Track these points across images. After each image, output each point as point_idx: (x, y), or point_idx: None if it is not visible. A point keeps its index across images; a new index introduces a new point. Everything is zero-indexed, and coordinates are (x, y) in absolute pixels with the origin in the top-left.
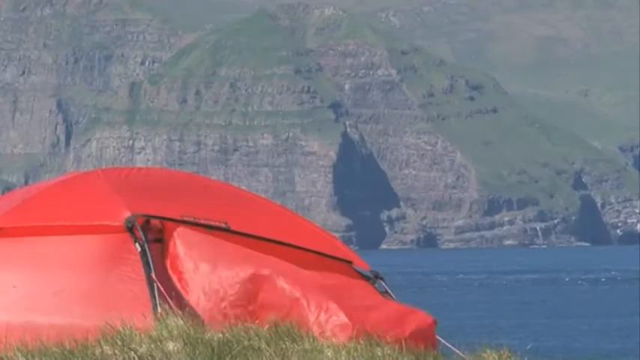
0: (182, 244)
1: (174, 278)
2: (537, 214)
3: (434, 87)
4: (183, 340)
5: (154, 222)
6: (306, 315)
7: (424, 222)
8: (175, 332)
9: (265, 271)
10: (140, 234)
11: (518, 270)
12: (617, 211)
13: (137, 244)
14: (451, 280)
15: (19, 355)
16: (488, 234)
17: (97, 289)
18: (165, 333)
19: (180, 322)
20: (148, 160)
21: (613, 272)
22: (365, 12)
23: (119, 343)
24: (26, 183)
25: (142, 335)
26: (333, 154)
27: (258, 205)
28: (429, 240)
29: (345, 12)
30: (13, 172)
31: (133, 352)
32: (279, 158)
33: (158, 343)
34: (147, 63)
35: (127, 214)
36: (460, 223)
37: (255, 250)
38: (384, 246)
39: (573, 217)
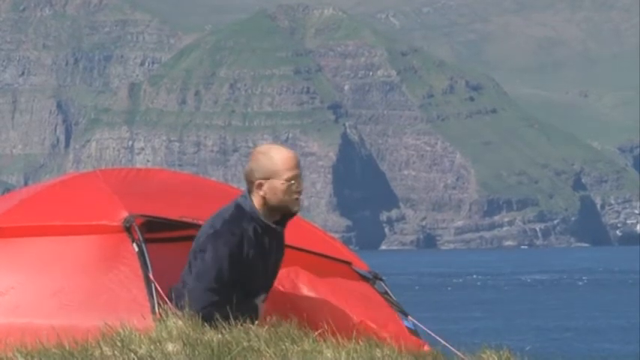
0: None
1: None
2: (537, 215)
3: (433, 88)
4: (183, 341)
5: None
6: None
7: (424, 223)
8: (175, 333)
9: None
10: (138, 234)
11: (518, 271)
12: (617, 211)
13: (135, 244)
14: (451, 280)
15: (19, 356)
16: (487, 235)
17: (96, 290)
18: (164, 334)
19: (180, 322)
20: (148, 161)
21: (613, 273)
22: (365, 13)
23: (119, 344)
24: (26, 184)
25: (142, 336)
26: (332, 155)
27: None
28: (428, 241)
29: (345, 13)
30: (13, 172)
31: (132, 354)
32: None
33: (158, 344)
34: (146, 64)
35: (125, 214)
36: (460, 223)
37: None
38: (383, 247)
39: (573, 218)
